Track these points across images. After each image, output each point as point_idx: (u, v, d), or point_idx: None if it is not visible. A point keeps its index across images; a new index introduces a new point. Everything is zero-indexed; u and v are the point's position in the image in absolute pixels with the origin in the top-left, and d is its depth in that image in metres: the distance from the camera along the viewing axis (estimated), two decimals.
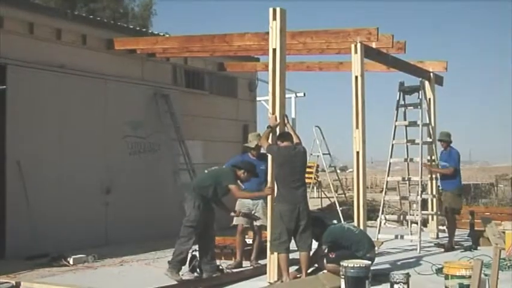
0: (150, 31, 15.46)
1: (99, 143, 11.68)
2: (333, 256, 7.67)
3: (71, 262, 9.38)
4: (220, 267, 8.68)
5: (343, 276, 6.79)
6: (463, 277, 6.55)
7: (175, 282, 7.88)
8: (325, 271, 7.87)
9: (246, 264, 9.25)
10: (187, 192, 8.44)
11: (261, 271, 8.42)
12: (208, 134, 14.43)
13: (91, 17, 14.28)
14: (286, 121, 8.34)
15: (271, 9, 8.17)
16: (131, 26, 15.80)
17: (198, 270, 8.33)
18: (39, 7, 11.29)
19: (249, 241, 9.63)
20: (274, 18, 8.16)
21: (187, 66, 14.12)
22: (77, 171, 11.12)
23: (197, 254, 8.34)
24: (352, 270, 6.73)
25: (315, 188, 21.16)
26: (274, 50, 8.19)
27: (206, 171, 8.67)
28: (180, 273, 8.17)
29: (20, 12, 10.49)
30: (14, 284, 6.85)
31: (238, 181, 8.45)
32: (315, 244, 8.18)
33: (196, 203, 8.15)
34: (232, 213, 9.02)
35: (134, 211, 11.88)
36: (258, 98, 16.68)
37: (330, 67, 13.24)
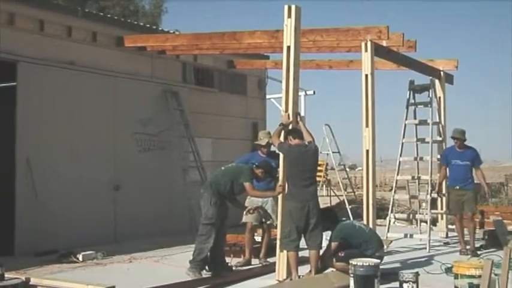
0: (160, 29, 15.46)
1: (109, 140, 11.70)
2: (342, 255, 7.65)
3: (80, 259, 9.40)
4: (230, 265, 8.68)
5: (352, 275, 6.78)
6: (472, 277, 6.51)
7: (184, 280, 7.87)
8: (334, 269, 7.85)
9: (255, 262, 9.24)
10: (203, 189, 8.42)
11: (270, 269, 8.42)
12: (218, 132, 14.43)
13: (101, 14, 14.30)
14: (299, 119, 8.29)
15: (286, 7, 8.10)
16: (141, 24, 15.79)
17: (206, 267, 8.33)
18: (50, 4, 11.31)
19: (258, 239, 9.63)
20: (289, 16, 8.10)
21: (197, 63, 14.11)
22: (86, 168, 11.15)
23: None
24: (361, 269, 6.72)
25: (324, 186, 21.11)
26: (288, 48, 8.13)
27: (223, 168, 8.63)
28: (203, 272, 8.18)
29: (30, 9, 10.53)
30: (24, 280, 6.86)
31: (254, 179, 8.41)
32: (324, 242, 8.15)
33: (213, 199, 8.14)
34: (251, 210, 8.86)
35: (143, 208, 11.90)
36: (267, 96, 16.68)
37: (340, 65, 13.22)
